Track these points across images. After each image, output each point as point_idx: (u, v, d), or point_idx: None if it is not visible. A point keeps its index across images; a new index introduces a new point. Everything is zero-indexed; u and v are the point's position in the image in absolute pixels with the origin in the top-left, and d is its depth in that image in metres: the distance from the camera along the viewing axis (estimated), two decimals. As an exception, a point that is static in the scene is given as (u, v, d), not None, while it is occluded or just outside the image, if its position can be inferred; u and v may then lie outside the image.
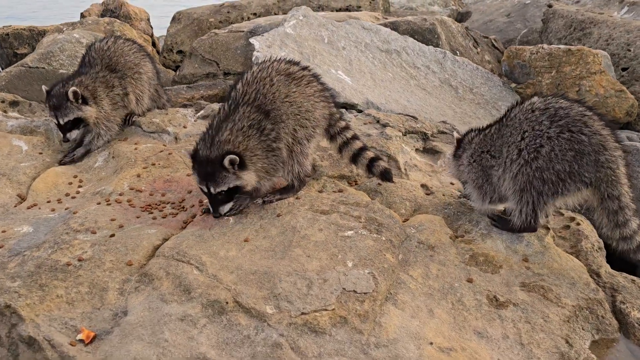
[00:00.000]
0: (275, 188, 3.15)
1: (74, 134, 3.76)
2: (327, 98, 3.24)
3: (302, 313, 2.31)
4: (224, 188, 2.83)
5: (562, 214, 3.47)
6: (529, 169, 2.74)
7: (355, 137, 3.31)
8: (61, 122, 3.70)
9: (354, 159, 3.27)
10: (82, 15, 9.00)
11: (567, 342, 2.45)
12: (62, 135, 3.76)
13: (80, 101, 3.74)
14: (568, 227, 3.33)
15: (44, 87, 3.83)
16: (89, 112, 3.78)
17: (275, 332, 2.25)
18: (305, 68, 3.22)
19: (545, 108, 2.79)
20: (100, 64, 3.97)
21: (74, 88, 3.71)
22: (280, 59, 3.23)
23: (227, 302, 2.38)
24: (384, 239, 2.75)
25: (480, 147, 2.98)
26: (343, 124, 3.30)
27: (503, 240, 2.94)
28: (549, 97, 2.86)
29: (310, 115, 3.07)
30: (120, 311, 2.43)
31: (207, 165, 2.83)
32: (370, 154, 3.26)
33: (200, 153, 2.87)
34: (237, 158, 2.80)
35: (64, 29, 7.52)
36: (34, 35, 8.23)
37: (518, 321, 2.51)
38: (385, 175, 3.22)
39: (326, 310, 2.33)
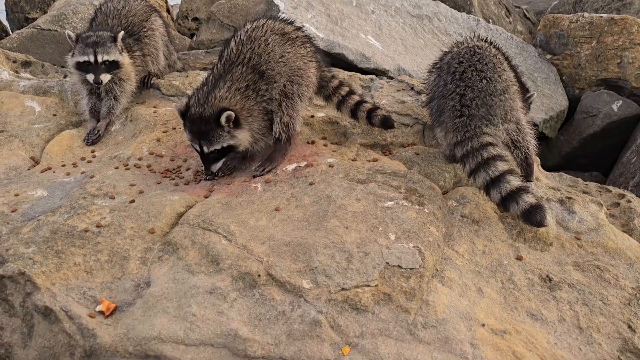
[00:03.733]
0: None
1: (107, 78, 3.43)
2: (319, 60, 3.16)
3: (342, 289, 2.11)
4: (217, 147, 2.76)
5: (610, 191, 3.24)
6: None
7: (351, 93, 3.22)
8: (100, 59, 3.40)
9: (353, 113, 3.18)
10: (95, -21, 8.71)
11: (629, 326, 2.23)
12: (93, 76, 3.41)
13: (121, 49, 3.52)
14: (618, 204, 3.10)
15: (68, 32, 3.51)
16: (126, 60, 3.55)
17: (313, 308, 2.05)
18: (299, 28, 3.14)
19: (470, 47, 2.81)
20: (118, 26, 3.73)
21: (122, 32, 3.51)
22: (273, 17, 3.14)
23: (259, 275, 2.18)
24: (426, 211, 2.53)
25: None
26: (336, 82, 3.22)
27: (553, 216, 2.71)
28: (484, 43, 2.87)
29: (303, 74, 2.98)
30: (142, 282, 2.24)
31: (200, 123, 2.74)
32: (368, 105, 3.17)
33: (193, 110, 2.76)
34: (233, 114, 2.73)
35: (77, -8, 7.25)
36: (46, 0, 7.98)
37: (575, 303, 2.30)
38: (386, 123, 3.15)
39: (368, 286, 2.12)
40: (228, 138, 2.77)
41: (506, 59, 2.92)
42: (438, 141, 3.12)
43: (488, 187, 2.55)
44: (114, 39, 3.46)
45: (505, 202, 2.52)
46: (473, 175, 2.62)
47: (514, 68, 3.01)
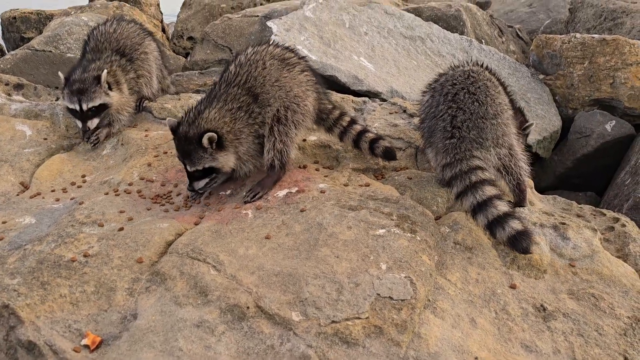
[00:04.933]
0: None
1: (95, 123, 3.49)
2: (319, 92, 3.14)
3: (333, 321, 2.07)
4: (199, 167, 2.81)
5: (604, 214, 3.21)
6: None
7: (353, 122, 3.18)
8: (85, 107, 3.42)
9: (356, 143, 3.14)
10: (91, -1, 8.75)
11: (625, 358, 2.19)
12: (80, 123, 3.47)
13: (107, 86, 3.52)
14: (612, 228, 3.08)
15: (60, 73, 3.57)
16: (115, 98, 3.56)
17: (302, 342, 2.01)
18: (301, 57, 3.15)
19: (466, 71, 2.82)
20: (110, 49, 3.74)
21: (105, 72, 3.48)
22: (276, 43, 3.16)
23: (248, 307, 2.14)
24: (418, 239, 2.50)
25: None
26: (337, 113, 3.18)
27: (547, 242, 2.69)
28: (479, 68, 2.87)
29: (300, 101, 2.96)
30: (129, 314, 2.19)
31: (185, 143, 2.80)
32: (370, 135, 3.13)
33: (182, 129, 2.81)
34: (216, 136, 2.75)
35: (72, 12, 7.28)
36: (42, 19, 8.00)
37: (570, 334, 2.26)
38: (388, 155, 3.09)
39: (359, 318, 2.08)
40: (210, 160, 2.80)
41: (501, 84, 2.93)
42: (431, 164, 3.11)
43: (475, 211, 2.53)
44: (98, 80, 3.45)
45: (491, 227, 2.50)
46: (460, 198, 2.60)
47: (509, 95, 3.00)
